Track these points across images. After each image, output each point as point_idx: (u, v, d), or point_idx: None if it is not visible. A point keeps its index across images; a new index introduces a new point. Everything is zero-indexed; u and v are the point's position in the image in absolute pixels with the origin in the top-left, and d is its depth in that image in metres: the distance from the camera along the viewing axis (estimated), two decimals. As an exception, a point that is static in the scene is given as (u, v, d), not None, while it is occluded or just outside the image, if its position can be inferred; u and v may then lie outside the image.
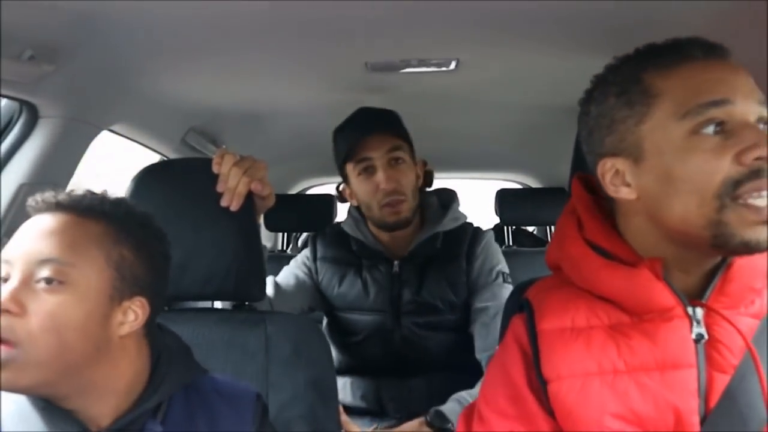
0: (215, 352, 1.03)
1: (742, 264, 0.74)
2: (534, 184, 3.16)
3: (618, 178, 0.75)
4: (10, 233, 1.25)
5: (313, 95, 1.74)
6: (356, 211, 1.58)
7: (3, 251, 0.74)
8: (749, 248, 0.68)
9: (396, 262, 1.51)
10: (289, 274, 1.57)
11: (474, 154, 2.76)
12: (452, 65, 1.44)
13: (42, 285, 0.70)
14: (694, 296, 0.75)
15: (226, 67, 1.44)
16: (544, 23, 1.17)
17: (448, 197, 1.61)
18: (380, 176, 1.43)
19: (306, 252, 1.62)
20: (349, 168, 1.48)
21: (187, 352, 0.86)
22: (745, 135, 0.68)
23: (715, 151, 0.68)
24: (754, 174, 0.67)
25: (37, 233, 0.73)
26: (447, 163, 2.79)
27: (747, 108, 0.70)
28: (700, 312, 0.73)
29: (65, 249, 0.72)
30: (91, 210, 0.76)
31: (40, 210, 0.76)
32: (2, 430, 0.74)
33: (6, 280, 0.72)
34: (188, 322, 1.05)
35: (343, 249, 1.57)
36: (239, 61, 1.40)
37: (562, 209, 0.87)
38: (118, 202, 0.80)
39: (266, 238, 3.04)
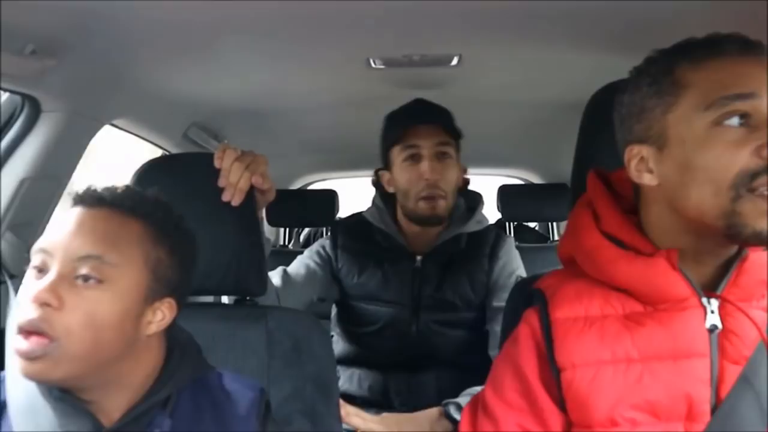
0: (216, 347, 1.02)
1: (755, 257, 0.75)
2: (536, 180, 3.15)
3: (642, 164, 0.77)
4: (11, 228, 1.27)
5: (314, 90, 1.74)
6: (381, 201, 1.58)
7: (40, 241, 0.73)
8: (761, 239, 0.69)
9: (418, 258, 1.51)
10: (300, 264, 1.57)
11: (476, 151, 2.73)
12: (454, 61, 1.43)
13: (81, 281, 0.70)
14: (708, 288, 0.76)
15: (229, 62, 1.43)
16: (546, 20, 1.17)
17: (474, 200, 1.62)
18: (425, 165, 1.43)
19: (324, 241, 1.62)
20: (395, 152, 1.48)
21: (197, 348, 0.86)
22: None
23: (736, 143, 0.69)
24: None
25: (79, 227, 0.72)
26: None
27: None
28: (714, 303, 0.75)
29: (107, 247, 0.72)
30: (134, 209, 0.76)
31: (82, 203, 0.75)
32: (12, 423, 0.73)
33: (42, 270, 0.71)
34: (189, 317, 1.05)
35: (365, 240, 1.57)
36: (241, 56, 1.39)
37: (565, 205, 0.88)
38: (158, 202, 0.80)
39: (268, 233, 3.03)
